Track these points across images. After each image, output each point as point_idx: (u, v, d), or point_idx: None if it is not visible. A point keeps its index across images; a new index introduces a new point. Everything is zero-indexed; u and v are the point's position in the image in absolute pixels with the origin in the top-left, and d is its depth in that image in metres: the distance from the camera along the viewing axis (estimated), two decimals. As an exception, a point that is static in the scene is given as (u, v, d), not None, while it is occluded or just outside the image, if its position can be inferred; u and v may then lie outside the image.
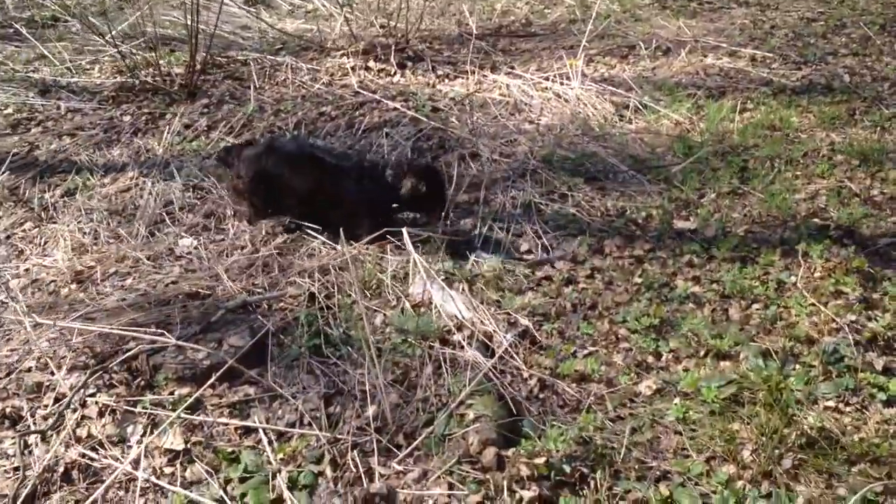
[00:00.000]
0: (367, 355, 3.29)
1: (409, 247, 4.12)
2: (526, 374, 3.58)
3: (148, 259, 4.36)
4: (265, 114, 6.27)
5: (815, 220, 4.86)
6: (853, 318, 3.75)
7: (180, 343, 3.29)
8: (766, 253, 4.48)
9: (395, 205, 4.61)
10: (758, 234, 4.75)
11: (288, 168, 4.55)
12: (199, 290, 3.94)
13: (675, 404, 3.38)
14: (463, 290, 4.09)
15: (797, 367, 3.56)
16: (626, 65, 7.53)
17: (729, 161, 5.55)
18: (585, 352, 3.82)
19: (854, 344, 3.59)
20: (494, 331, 3.77)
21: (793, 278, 4.14)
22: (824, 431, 3.15)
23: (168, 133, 5.80)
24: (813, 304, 3.90)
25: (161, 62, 6.93)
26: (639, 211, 5.05)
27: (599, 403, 3.47)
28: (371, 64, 7.34)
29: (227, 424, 3.16)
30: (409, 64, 7.36)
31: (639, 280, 4.31)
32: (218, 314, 3.60)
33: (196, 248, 4.42)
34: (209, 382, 3.19)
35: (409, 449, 3.07)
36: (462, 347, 3.62)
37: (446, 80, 7.19)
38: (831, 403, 3.35)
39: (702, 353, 3.73)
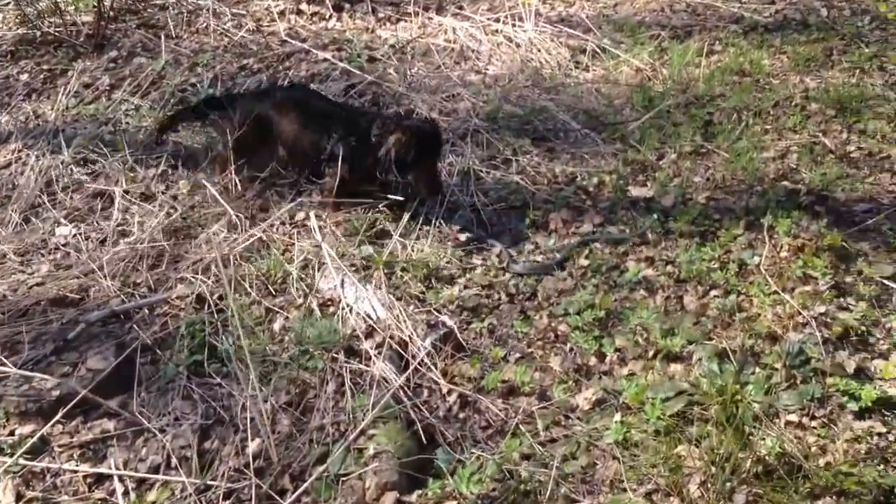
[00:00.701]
0: (250, 376, 2.76)
1: (316, 231, 3.56)
2: (445, 390, 3.08)
3: (15, 253, 3.78)
4: (179, 68, 5.60)
5: (785, 182, 4.33)
6: (822, 309, 3.25)
7: (22, 372, 2.75)
8: (729, 225, 3.97)
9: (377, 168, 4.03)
10: (720, 201, 4.23)
11: (276, 111, 4.22)
12: (68, 294, 3.38)
13: (616, 423, 2.90)
14: (380, 283, 3.56)
15: (757, 370, 3.07)
16: (585, 1, 6.85)
17: (692, 114, 4.98)
18: (517, 356, 3.31)
19: (822, 342, 3.11)
20: (411, 336, 3.25)
21: (756, 259, 3.63)
22: (784, 457, 2.68)
23: (64, 95, 5.13)
24: (776, 293, 3.39)
25: (67, 9, 6.19)
26: (590, 177, 4.50)
27: (528, 422, 2.99)
28: (304, 6, 6.63)
29: (74, 472, 2.64)
30: (347, 6, 6.65)
31: (585, 262, 3.78)
32: (77, 329, 3.05)
33: (75, 237, 3.83)
34: (56, 418, 2.66)
35: (296, 495, 2.57)
36: (371, 360, 3.10)
37: (387, 24, 6.51)
38: (794, 417, 2.89)
39: (651, 353, 3.25)
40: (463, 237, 4.08)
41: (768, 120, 4.92)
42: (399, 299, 3.48)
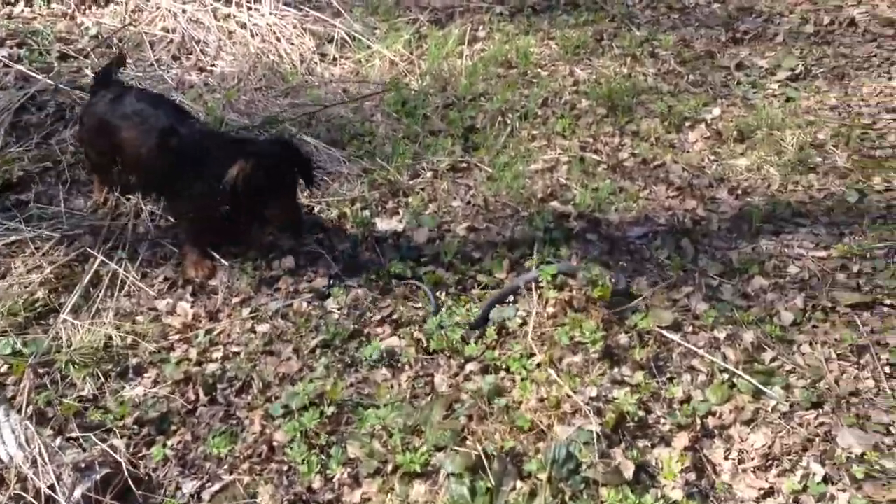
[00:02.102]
0: None
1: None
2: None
3: None
4: None
5: (555, 203, 3.73)
6: (594, 392, 2.62)
7: None
8: (492, 266, 3.29)
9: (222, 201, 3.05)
10: (482, 233, 3.54)
11: (124, 121, 3.31)
12: None
13: None
14: (23, 400, 2.56)
15: (518, 485, 2.39)
16: (337, -23, 5.92)
17: (451, 119, 4.26)
18: (215, 489, 2.45)
19: (596, 437, 2.48)
20: (54, 486, 2.29)
21: (519, 319, 2.95)
22: None
23: None
24: (542, 367, 2.74)
25: None
26: (328, 208, 3.66)
27: None
28: (-20, -12, 5.25)
29: None
30: (39, -14, 5.34)
31: (314, 340, 2.96)
32: None
33: None
34: None
35: None
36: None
37: (93, 9, 5.28)
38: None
39: (389, 468, 2.48)
40: (163, 304, 3.14)
41: (536, 123, 4.30)
42: (49, 420, 2.50)
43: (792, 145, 4.06)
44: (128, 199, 3.63)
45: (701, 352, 2.91)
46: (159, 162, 3.15)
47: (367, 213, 3.61)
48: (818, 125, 4.25)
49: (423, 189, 3.80)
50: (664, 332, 2.98)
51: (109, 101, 3.37)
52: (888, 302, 3.17)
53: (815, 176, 3.90)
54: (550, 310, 2.95)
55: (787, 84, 4.73)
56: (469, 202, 3.74)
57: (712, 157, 4.07)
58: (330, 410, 2.68)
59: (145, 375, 2.87)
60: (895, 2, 5.64)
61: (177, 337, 3.03)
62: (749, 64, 4.97)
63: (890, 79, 4.72)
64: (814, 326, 3.08)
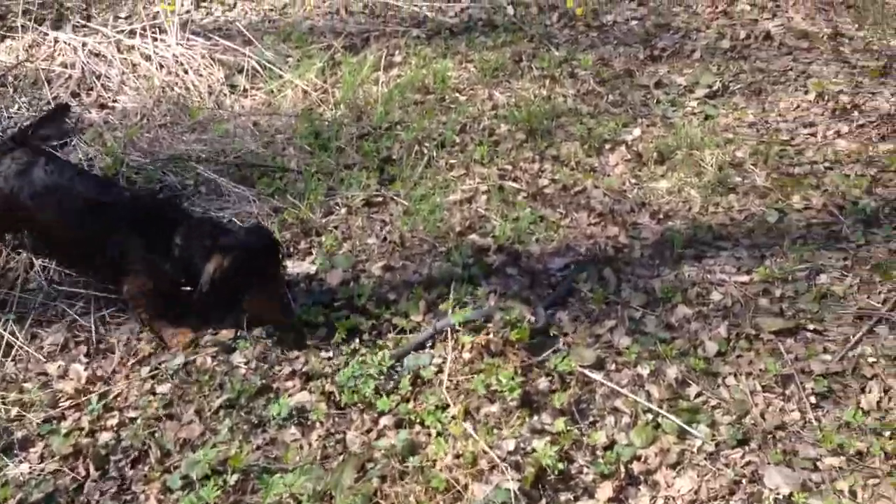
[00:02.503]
0: None
1: None
2: None
3: None
4: None
5: (474, 236, 3.60)
6: (511, 445, 2.49)
7: None
8: (408, 308, 3.14)
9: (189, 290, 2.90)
10: (398, 271, 3.40)
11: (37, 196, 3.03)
12: None
13: None
14: None
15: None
16: (248, 3, 5.74)
17: (366, 151, 4.10)
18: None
19: (514, 495, 2.34)
20: None
21: (434, 367, 2.81)
22: None
23: None
24: (457, 420, 2.60)
25: None
26: (235, 252, 3.45)
27: None
28: None
29: None
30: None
31: (218, 400, 2.77)
32: None
33: None
34: None
35: None
36: None
37: (-16, 44, 4.99)
38: None
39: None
40: (53, 367, 2.91)
41: (454, 151, 4.18)
42: None
43: (711, 165, 4.02)
44: (18, 254, 3.39)
45: (624, 391, 2.80)
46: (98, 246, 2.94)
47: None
48: (737, 143, 4.22)
49: (336, 227, 3.64)
50: (587, 372, 2.86)
51: (15, 175, 3.08)
52: (811, 327, 3.12)
53: (735, 196, 3.85)
54: (467, 355, 2.81)
55: (706, 101, 4.70)
56: (385, 239, 3.60)
57: (633, 181, 4.00)
58: (234, 479, 2.49)
59: (32, 450, 2.64)
60: (809, 13, 5.69)
61: (68, 404, 2.81)
62: (668, 82, 4.93)
63: (806, 92, 4.73)
64: (738, 356, 3.01)
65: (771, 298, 3.27)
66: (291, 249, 3.52)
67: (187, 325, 3.01)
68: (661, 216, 3.76)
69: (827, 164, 4.08)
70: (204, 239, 2.84)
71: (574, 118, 4.47)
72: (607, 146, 4.26)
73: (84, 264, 3.18)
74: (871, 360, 2.99)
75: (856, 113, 4.48)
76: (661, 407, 2.72)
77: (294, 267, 3.40)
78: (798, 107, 4.60)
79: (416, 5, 5.65)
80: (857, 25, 5.58)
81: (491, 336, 2.83)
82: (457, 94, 4.69)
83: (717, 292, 3.31)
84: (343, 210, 3.73)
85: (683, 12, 5.81)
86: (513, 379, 2.68)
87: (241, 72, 4.79)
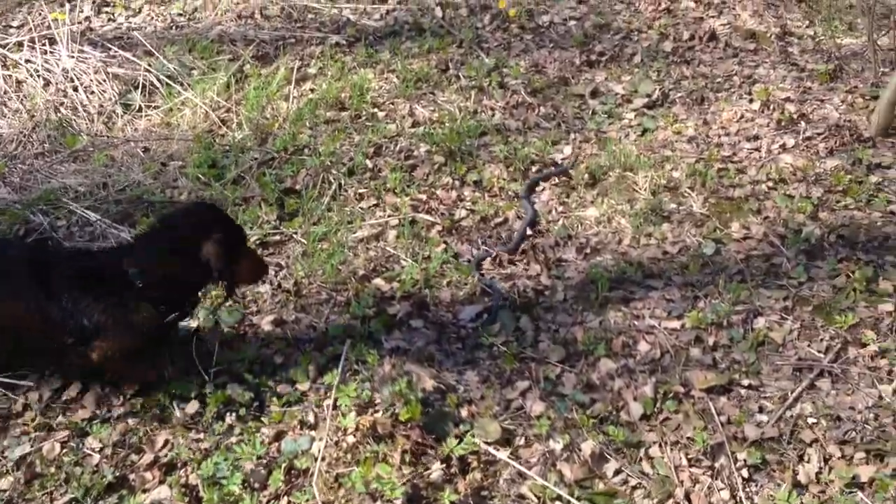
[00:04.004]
0: None
1: None
2: None
3: None
4: None
5: (379, 280, 3.22)
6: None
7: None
8: (295, 372, 2.78)
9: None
10: (289, 327, 3.01)
11: None
12: None
13: None
14: None
15: None
16: (155, 7, 5.28)
17: (264, 182, 3.70)
18: None
19: None
20: None
21: (312, 455, 2.44)
22: None
23: None
24: (334, 525, 2.24)
25: None
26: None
27: None
28: None
29: None
30: None
31: (62, 499, 2.38)
32: None
33: None
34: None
35: None
36: None
37: None
38: None
39: None
40: None
41: (365, 178, 3.79)
42: None
43: (645, 189, 3.67)
44: None
45: (532, 473, 2.46)
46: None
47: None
48: (674, 162, 3.89)
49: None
50: (491, 450, 2.51)
51: None
52: (746, 382, 2.81)
53: (668, 226, 3.52)
54: (351, 439, 2.44)
55: (644, 113, 4.36)
56: (279, 286, 3.20)
57: (560, 209, 3.65)
58: None
59: None
60: (758, 10, 5.35)
61: None
62: (605, 90, 4.58)
63: (751, 101, 4.40)
64: (665, 419, 2.68)
65: (703, 347, 2.95)
66: (173, 301, 3.11)
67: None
68: (588, 250, 3.42)
69: (770, 184, 3.76)
70: (175, 241, 2.53)
71: (500, 136, 4.09)
72: (534, 168, 3.90)
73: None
74: (810, 420, 2.68)
75: (803, 123, 4.16)
76: (572, 492, 2.38)
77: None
78: (742, 117, 4.27)
79: (338, 7, 5.21)
80: (807, 22, 5.25)
81: (379, 415, 2.45)
82: (375, 110, 4.30)
83: (646, 342, 2.98)
84: (235, 253, 3.32)
85: (625, 10, 5.44)
86: (400, 469, 2.32)
87: (137, 88, 4.35)
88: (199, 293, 2.69)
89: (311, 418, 2.59)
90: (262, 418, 2.64)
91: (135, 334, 2.52)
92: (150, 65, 4.48)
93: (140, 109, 4.26)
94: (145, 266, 2.47)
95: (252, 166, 3.78)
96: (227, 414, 2.65)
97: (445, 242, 3.42)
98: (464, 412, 2.66)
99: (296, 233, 3.43)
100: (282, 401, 2.69)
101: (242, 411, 2.66)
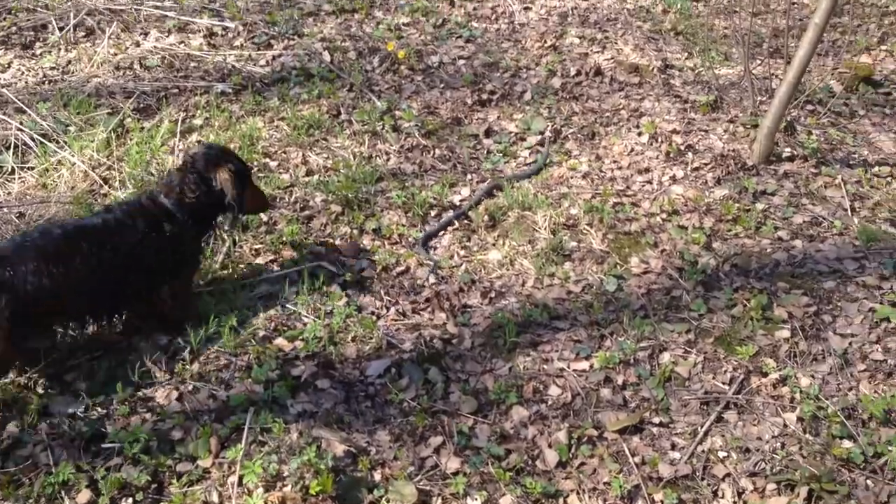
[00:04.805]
0: None
1: None
2: None
3: None
4: None
5: (280, 340, 3.10)
6: None
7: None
8: (195, 446, 2.60)
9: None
10: (188, 397, 2.83)
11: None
12: None
13: None
14: None
15: None
16: (26, 62, 5.00)
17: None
18: None
19: None
20: None
21: (219, 538, 2.28)
22: None
23: None
24: None
25: None
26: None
27: None
28: None
29: None
30: None
31: None
32: None
33: None
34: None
35: None
36: None
37: None
38: None
39: None
40: None
41: (259, 233, 3.64)
42: None
43: (545, 228, 3.69)
44: None
45: (451, 537, 2.37)
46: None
47: (40, 390, 2.81)
48: (571, 199, 3.92)
49: (118, 345, 3.04)
50: (395, 514, 2.42)
51: None
52: (656, 420, 2.82)
53: (570, 265, 3.54)
54: (259, 518, 2.30)
55: (538, 150, 4.39)
56: (174, 354, 3.02)
57: (462, 254, 3.61)
58: None
59: None
60: (639, 44, 5.52)
61: None
62: (498, 129, 4.61)
63: (639, 134, 4.51)
64: (581, 465, 2.66)
65: (613, 387, 2.95)
66: (53, 382, 2.89)
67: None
68: (492, 294, 3.39)
69: (664, 216, 3.84)
70: (194, 176, 2.97)
71: (397, 181, 4.03)
72: (433, 213, 3.87)
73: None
74: (721, 454, 2.72)
75: (690, 154, 4.29)
76: (493, 553, 2.30)
77: (58, 404, 2.79)
78: (632, 150, 4.36)
79: (221, 55, 5.07)
80: (686, 54, 5.45)
81: (288, 489, 2.32)
82: (266, 160, 4.17)
83: (556, 385, 2.96)
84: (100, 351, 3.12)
85: (512, 48, 5.51)
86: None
87: (8, 148, 4.08)
88: (214, 223, 3.12)
89: (214, 498, 2.43)
90: (162, 502, 2.46)
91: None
92: (22, 123, 4.21)
93: (13, 171, 3.99)
94: (177, 196, 2.91)
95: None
96: (123, 500, 2.45)
97: (348, 295, 3.32)
98: (377, 475, 2.56)
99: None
100: (182, 481, 2.52)
101: (140, 496, 2.47)
